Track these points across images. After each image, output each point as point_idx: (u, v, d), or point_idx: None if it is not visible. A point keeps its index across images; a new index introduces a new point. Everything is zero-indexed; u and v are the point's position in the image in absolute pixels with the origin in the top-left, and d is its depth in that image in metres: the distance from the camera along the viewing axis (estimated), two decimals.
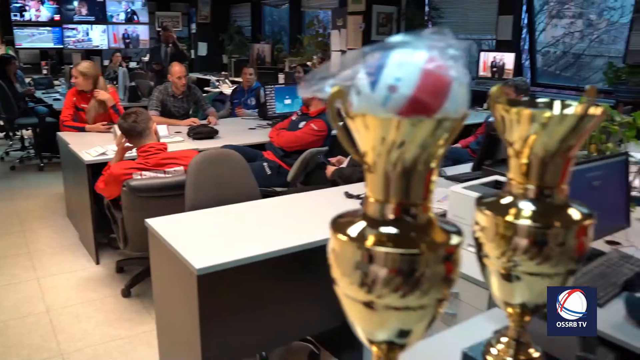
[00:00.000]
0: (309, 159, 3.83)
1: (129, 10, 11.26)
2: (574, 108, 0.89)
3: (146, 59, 9.85)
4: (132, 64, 10.91)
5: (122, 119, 3.06)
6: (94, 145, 3.84)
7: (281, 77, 8.02)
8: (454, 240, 0.74)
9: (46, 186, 5.67)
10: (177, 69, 4.97)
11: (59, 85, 8.30)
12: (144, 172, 2.90)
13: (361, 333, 0.79)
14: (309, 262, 2.10)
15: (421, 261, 0.71)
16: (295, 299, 2.14)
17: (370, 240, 0.71)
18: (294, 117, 4.26)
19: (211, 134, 4.33)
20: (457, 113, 0.70)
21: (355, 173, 3.27)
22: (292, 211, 2.50)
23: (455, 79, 0.71)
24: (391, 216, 0.73)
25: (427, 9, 7.80)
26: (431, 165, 0.72)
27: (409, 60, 0.70)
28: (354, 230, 0.73)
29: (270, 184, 3.93)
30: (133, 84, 6.67)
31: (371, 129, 0.68)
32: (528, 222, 0.88)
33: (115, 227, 3.16)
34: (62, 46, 10.80)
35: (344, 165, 3.53)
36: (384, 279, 0.71)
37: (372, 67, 0.70)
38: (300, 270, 2.12)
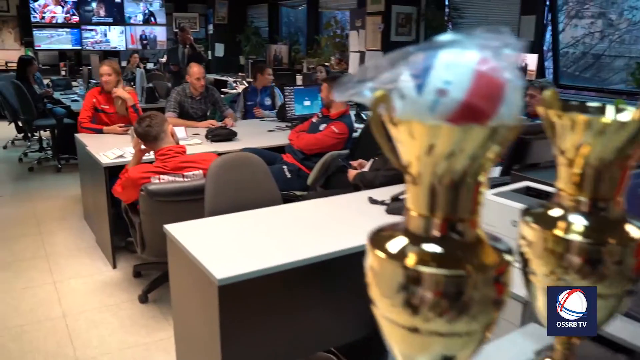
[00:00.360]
0: (329, 162, 3.76)
1: (146, 11, 11.29)
2: (631, 113, 0.81)
3: (164, 60, 9.86)
4: (150, 65, 10.96)
5: (136, 123, 3.02)
6: (111, 147, 3.81)
7: (299, 78, 7.97)
8: (505, 259, 0.67)
9: (64, 188, 5.68)
10: (195, 70, 4.93)
11: (77, 87, 8.34)
12: (162, 176, 2.86)
13: (400, 357, 0.72)
14: (333, 271, 2.04)
15: (469, 283, 0.64)
16: (319, 309, 2.07)
17: (411, 259, 0.65)
18: (314, 120, 4.20)
19: (230, 136, 4.28)
20: (512, 119, 0.63)
21: (377, 177, 3.20)
22: (315, 217, 2.44)
23: (510, 81, 0.64)
24: (436, 233, 0.66)
25: (447, 9, 7.70)
26: (480, 178, 0.65)
27: (459, 61, 0.63)
28: (394, 246, 0.67)
29: (290, 188, 3.88)
30: (150, 85, 6.66)
31: (417, 137, 0.62)
32: (580, 238, 0.81)
33: (133, 231, 3.11)
34: (80, 47, 10.86)
35: (366, 169, 3.46)
36: (427, 303, 0.64)
37: (418, 68, 0.64)
38: (324, 279, 2.05)
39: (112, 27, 11.06)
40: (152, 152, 3.10)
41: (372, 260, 0.68)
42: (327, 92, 4.01)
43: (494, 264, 0.67)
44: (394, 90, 0.65)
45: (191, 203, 2.81)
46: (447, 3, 7.71)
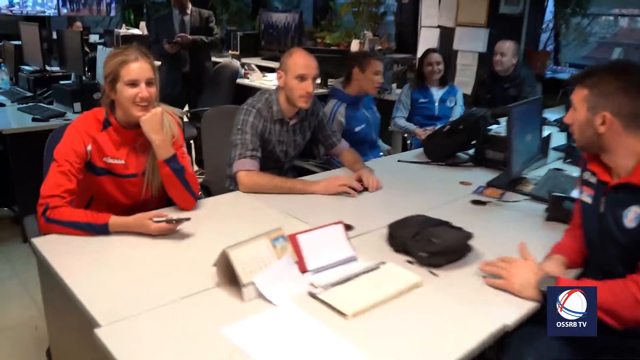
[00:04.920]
0: None
1: None
2: None
3: (122, 31, 6.82)
4: (94, 37, 7.82)
5: None
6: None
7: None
8: None
9: None
10: (300, 61, 2.22)
11: None
12: None
13: None
14: None
15: None
16: None
17: None
18: (587, 199, 1.54)
19: (459, 251, 1.63)
20: None
21: None
22: None
23: None
24: None
25: None
26: None
27: None
28: None
29: None
30: None
31: None
32: None
33: None
34: None
35: None
36: None
37: None
38: None
39: None
40: None
41: None
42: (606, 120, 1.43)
43: None
44: None
45: None
46: None
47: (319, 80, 2.82)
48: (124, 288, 1.42)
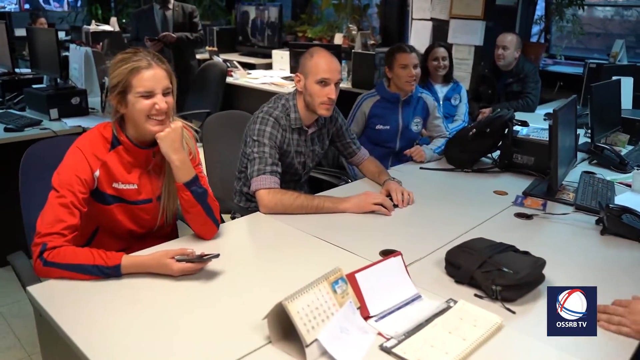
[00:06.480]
0: None
1: None
2: None
3: (91, 27, 6.42)
4: (60, 35, 7.38)
5: None
6: None
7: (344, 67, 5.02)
8: None
9: None
10: (322, 63, 1.97)
11: None
12: None
13: None
14: None
15: None
16: None
17: None
18: None
19: (535, 282, 1.41)
20: None
21: None
22: None
23: None
24: None
25: None
26: None
27: None
28: None
29: None
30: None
31: None
32: None
33: None
34: None
35: None
36: None
37: None
38: None
39: None
40: None
41: None
42: None
43: None
44: None
45: None
46: None
47: (343, 84, 2.56)
48: (152, 354, 1.15)
